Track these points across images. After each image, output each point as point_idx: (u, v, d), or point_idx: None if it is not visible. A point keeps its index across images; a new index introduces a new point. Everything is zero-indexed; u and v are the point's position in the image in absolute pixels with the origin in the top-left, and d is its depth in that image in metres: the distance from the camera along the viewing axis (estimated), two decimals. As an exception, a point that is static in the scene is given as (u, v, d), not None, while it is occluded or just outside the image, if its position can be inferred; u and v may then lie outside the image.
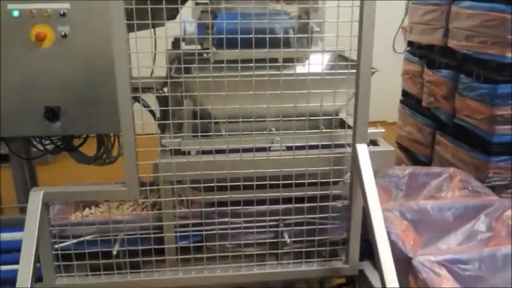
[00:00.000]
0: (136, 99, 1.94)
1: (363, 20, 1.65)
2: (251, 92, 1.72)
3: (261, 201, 1.89)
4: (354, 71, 1.75)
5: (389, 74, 4.50)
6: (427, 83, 3.27)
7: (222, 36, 1.73)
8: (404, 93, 3.79)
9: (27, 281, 1.63)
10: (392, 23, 5.37)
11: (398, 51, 5.37)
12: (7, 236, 2.19)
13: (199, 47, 2.05)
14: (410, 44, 3.73)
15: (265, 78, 1.72)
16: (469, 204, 2.16)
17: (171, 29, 1.88)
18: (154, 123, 2.07)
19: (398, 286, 1.60)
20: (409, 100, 3.69)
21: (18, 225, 1.95)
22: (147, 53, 1.82)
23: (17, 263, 1.68)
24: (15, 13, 1.90)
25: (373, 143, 1.98)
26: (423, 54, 3.44)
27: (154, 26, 1.96)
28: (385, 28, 5.31)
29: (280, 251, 1.98)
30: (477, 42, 2.72)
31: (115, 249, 1.90)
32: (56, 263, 1.87)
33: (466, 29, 2.82)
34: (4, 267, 2.07)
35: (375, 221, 1.71)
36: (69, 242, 1.90)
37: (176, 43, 2.28)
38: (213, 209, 1.89)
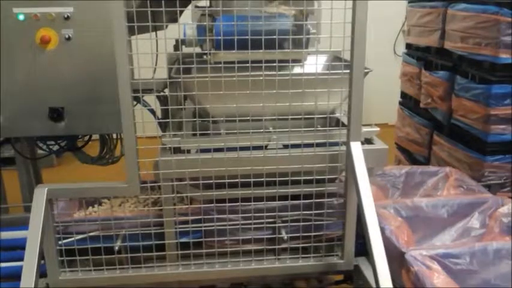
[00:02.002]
0: (137, 99, 2.00)
1: (355, 20, 1.71)
2: (247, 92, 1.78)
3: (259, 199, 1.95)
4: (348, 71, 1.80)
5: (390, 77, 4.57)
6: (425, 84, 3.32)
7: (220, 37, 1.80)
8: (403, 95, 3.83)
9: (32, 276, 1.68)
10: (394, 26, 5.43)
11: (399, 54, 5.42)
12: (12, 234, 2.25)
13: (200, 49, 2.11)
14: (408, 46, 3.79)
15: (261, 78, 1.77)
16: (463, 201, 2.20)
17: (175, 32, 1.94)
18: (154, 121, 2.13)
19: (390, 280, 1.65)
20: (407, 101, 3.74)
21: (23, 224, 2.01)
22: (147, 54, 1.88)
23: (21, 260, 1.73)
24: (21, 17, 1.96)
25: (368, 141, 2.03)
26: (420, 56, 3.49)
27: (156, 29, 2.03)
28: (387, 32, 5.39)
29: (277, 247, 2.03)
30: (472, 43, 2.77)
31: (117, 245, 1.95)
32: (59, 259, 1.92)
33: (461, 30, 2.87)
34: (9, 264, 2.13)
35: (368, 217, 1.75)
36: (72, 238, 1.96)
37: (178, 45, 2.34)
38: (212, 205, 1.94)
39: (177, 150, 1.89)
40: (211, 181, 1.85)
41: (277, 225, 2.01)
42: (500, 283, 1.81)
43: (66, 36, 2.00)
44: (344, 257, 2.02)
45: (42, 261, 1.86)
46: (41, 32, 1.99)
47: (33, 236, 1.74)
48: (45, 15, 1.98)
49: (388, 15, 5.15)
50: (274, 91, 1.79)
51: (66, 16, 1.98)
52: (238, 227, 1.98)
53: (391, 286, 1.64)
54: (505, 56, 2.57)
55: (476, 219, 2.16)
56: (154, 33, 2.04)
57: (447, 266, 1.77)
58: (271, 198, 1.95)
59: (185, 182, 1.89)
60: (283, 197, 1.97)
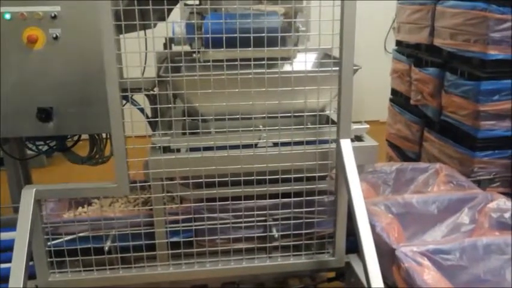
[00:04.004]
0: (126, 98, 1.99)
1: (343, 18, 1.71)
2: (236, 90, 1.77)
3: (250, 197, 1.94)
4: (337, 68, 1.80)
5: (381, 74, 4.59)
6: (415, 81, 3.33)
7: (208, 36, 1.79)
8: (393, 92, 3.85)
9: (20, 277, 1.67)
10: (385, 23, 5.45)
11: (389, 51, 5.42)
12: (1, 236, 2.22)
13: (189, 47, 2.11)
14: (398, 43, 3.80)
15: (250, 76, 1.77)
16: (453, 197, 2.21)
17: (164, 30, 1.93)
18: (144, 120, 2.12)
19: (380, 277, 1.65)
20: (397, 98, 3.75)
21: (13, 226, 1.99)
22: (136, 53, 1.86)
23: (10, 262, 1.71)
24: (7, 16, 1.94)
25: (358, 138, 2.03)
26: (410, 53, 3.51)
27: (145, 28, 2.01)
28: (378, 29, 5.40)
29: (268, 245, 2.02)
30: (461, 40, 2.79)
31: (107, 245, 1.94)
32: (49, 260, 1.91)
33: (450, 27, 2.88)
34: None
35: (358, 214, 1.76)
36: (62, 239, 1.94)
37: (167, 44, 2.33)
38: (202, 204, 1.93)
39: (167, 150, 1.89)
40: (202, 180, 1.85)
41: (268, 223, 2.01)
42: (490, 278, 1.82)
43: (54, 36, 1.97)
44: (335, 254, 2.02)
45: (31, 263, 1.84)
46: (28, 31, 1.96)
47: (21, 237, 1.72)
48: (32, 14, 1.95)
49: (378, 12, 5.16)
50: (264, 89, 1.78)
51: (53, 15, 1.96)
52: (229, 225, 1.97)
53: (382, 283, 1.64)
54: (493, 53, 2.59)
55: (466, 214, 2.18)
56: (142, 31, 2.03)
57: (437, 262, 1.78)
58: (262, 196, 1.94)
59: (175, 181, 1.88)
60: (274, 195, 1.96)
